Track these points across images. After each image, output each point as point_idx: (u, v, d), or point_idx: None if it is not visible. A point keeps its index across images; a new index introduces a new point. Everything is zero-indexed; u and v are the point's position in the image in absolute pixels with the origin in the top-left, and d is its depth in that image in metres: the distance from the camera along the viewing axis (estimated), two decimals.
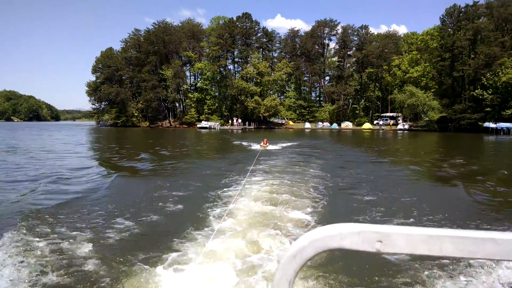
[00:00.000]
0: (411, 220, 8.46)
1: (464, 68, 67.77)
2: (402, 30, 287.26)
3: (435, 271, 5.26)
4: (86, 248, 6.22)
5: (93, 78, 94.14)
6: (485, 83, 63.53)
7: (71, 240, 6.60)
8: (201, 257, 5.84)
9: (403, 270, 5.31)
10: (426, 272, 5.23)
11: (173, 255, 5.95)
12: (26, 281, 5.00)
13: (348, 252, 0.74)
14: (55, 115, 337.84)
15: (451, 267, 5.34)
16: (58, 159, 20.34)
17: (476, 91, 64.93)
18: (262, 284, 4.79)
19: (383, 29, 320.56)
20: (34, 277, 5.12)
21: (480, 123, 61.70)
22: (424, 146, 36.25)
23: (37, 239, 6.59)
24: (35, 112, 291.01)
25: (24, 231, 6.92)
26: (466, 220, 8.55)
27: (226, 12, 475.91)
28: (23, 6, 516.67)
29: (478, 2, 70.54)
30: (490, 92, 62.98)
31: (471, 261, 5.38)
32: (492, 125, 56.93)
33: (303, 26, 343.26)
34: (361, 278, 5.18)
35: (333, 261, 5.56)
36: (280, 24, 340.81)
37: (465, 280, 5.05)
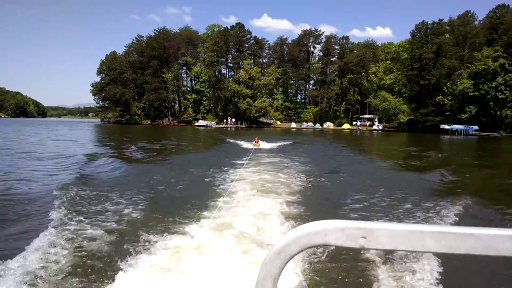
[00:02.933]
0: (374, 195, 10.69)
1: (429, 77, 78.51)
2: (387, 32, 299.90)
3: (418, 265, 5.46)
4: (102, 224, 7.41)
5: (97, 78, 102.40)
6: (446, 91, 74.50)
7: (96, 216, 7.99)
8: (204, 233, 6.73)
9: (388, 263, 5.53)
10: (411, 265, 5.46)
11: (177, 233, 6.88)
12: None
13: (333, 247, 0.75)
14: (42, 112, 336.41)
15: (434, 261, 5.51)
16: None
17: (438, 97, 75.77)
18: (248, 278, 4.74)
19: (368, 31, 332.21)
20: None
21: (441, 125, 72.49)
22: (391, 143, 45.01)
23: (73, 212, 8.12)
24: (22, 108, 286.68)
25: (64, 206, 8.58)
26: (421, 197, 10.63)
27: (212, 11, 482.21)
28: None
29: (442, 20, 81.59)
30: (449, 99, 73.98)
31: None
32: (446, 126, 68.20)
33: (289, 27, 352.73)
34: (346, 272, 5.33)
35: (318, 256, 5.68)
36: (266, 24, 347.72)
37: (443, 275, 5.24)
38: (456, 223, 7.96)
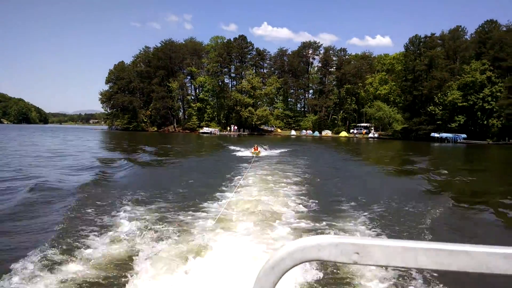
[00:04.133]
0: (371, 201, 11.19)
1: (421, 88, 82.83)
2: (386, 41, 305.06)
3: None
4: (118, 215, 8.84)
5: (102, 85, 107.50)
6: (437, 101, 79.03)
7: (112, 207, 9.47)
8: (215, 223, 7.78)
9: (382, 279, 5.56)
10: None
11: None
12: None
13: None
14: (44, 118, 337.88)
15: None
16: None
17: (430, 107, 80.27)
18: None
19: (367, 39, 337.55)
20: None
21: (431, 133, 76.94)
22: (384, 149, 48.45)
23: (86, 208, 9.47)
24: (25, 115, 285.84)
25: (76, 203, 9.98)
26: (410, 199, 11.65)
27: (213, 19, 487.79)
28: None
29: (434, 34, 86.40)
30: (440, 109, 78.54)
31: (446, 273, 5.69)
32: (436, 135, 72.76)
33: (289, 35, 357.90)
34: (340, 287, 5.40)
35: (312, 271, 5.73)
36: (266, 32, 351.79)
37: None
38: (442, 227, 8.88)
